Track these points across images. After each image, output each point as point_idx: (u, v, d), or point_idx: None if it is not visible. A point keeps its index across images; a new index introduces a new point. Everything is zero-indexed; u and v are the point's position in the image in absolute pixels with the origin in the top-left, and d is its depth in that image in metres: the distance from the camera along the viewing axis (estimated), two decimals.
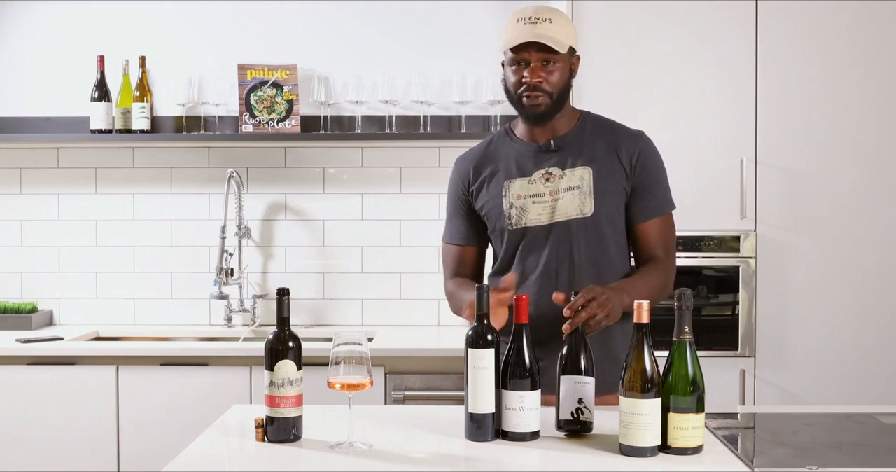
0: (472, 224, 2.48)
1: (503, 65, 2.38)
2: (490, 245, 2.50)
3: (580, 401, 1.99)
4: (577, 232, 2.34)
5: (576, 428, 2.01)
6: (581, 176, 2.35)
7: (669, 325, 1.91)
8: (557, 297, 2.09)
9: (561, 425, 2.02)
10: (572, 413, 2.00)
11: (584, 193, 2.34)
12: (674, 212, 2.42)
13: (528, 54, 2.30)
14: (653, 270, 2.36)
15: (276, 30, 3.87)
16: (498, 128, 3.70)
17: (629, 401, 1.87)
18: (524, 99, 2.33)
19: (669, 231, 2.42)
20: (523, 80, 2.32)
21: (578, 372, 1.99)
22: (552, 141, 2.39)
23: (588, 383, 1.99)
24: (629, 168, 2.37)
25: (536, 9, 2.32)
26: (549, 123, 2.37)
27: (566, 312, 2.05)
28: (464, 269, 2.50)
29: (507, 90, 2.38)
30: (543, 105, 2.33)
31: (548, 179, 2.36)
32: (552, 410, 2.05)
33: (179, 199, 3.90)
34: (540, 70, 2.31)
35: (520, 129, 2.45)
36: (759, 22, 3.37)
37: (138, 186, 3.90)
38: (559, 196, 2.35)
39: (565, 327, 2.03)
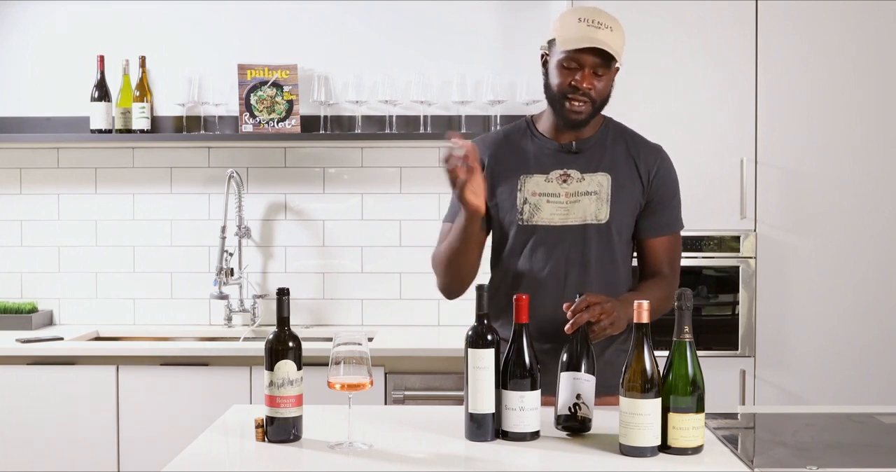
0: None
1: (543, 58, 2.33)
2: (491, 235, 2.47)
3: (578, 397, 1.99)
4: (590, 237, 2.32)
5: (574, 425, 2.01)
6: (600, 182, 2.33)
7: (669, 325, 1.92)
8: (567, 306, 2.08)
9: (559, 420, 2.02)
10: (570, 409, 2.00)
11: (601, 200, 2.33)
12: None
13: (584, 58, 2.25)
14: (656, 286, 2.35)
15: (276, 30, 3.87)
16: (496, 126, 3.71)
17: (629, 401, 1.87)
18: (568, 103, 2.28)
19: (676, 249, 2.41)
20: (573, 83, 2.26)
21: (578, 370, 2.00)
22: (574, 143, 2.36)
23: (587, 381, 1.99)
24: (646, 182, 2.36)
25: (599, 13, 2.26)
26: (583, 129, 2.35)
27: (568, 314, 2.05)
28: None
29: (548, 87, 2.33)
30: (585, 113, 2.29)
31: (565, 180, 2.34)
32: (553, 410, 2.05)
33: (179, 199, 3.90)
34: (592, 77, 2.26)
35: (543, 124, 2.41)
36: (759, 22, 3.37)
37: (138, 186, 3.90)
38: (576, 199, 2.33)
39: (567, 328, 2.04)
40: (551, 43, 2.31)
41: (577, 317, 2.04)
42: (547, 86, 2.34)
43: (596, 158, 2.36)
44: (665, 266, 2.38)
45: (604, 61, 2.25)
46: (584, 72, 2.26)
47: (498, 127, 3.70)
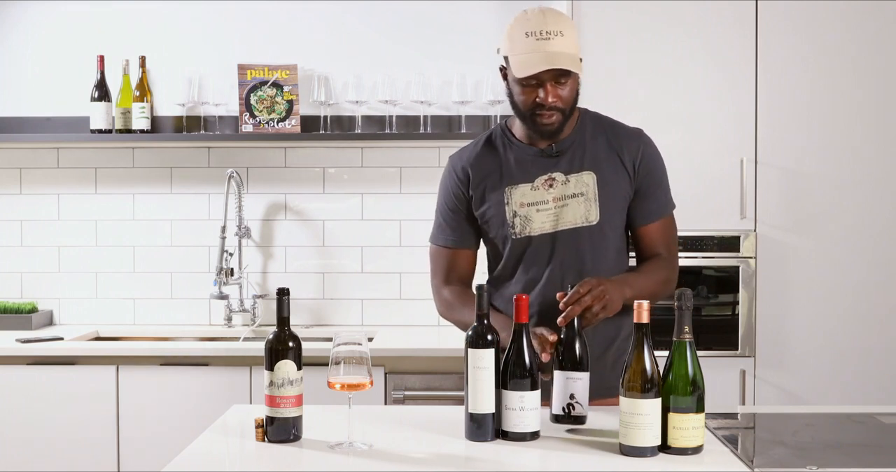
0: (468, 225, 2.39)
1: (503, 70, 2.27)
2: (485, 246, 2.44)
3: (571, 396, 2.02)
4: (583, 240, 2.29)
5: (568, 422, 2.05)
6: (586, 182, 2.29)
7: (669, 325, 1.91)
8: (560, 296, 2.08)
9: (553, 419, 2.06)
10: (563, 409, 2.03)
11: (589, 201, 2.29)
12: (674, 212, 2.40)
13: (542, 75, 2.17)
14: (656, 266, 2.32)
15: (276, 30, 3.87)
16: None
17: (629, 401, 1.87)
18: (537, 118, 2.23)
19: (671, 230, 2.38)
20: (538, 100, 2.21)
21: (572, 367, 2.02)
22: (553, 145, 2.31)
23: (580, 379, 2.02)
24: (632, 171, 2.32)
25: (545, 19, 2.17)
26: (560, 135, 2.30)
27: (561, 305, 2.05)
28: (457, 274, 2.42)
29: (514, 105, 2.27)
30: (557, 122, 2.24)
31: (551, 186, 2.30)
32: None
33: (179, 199, 3.90)
34: (556, 88, 2.20)
35: (518, 129, 2.35)
36: (759, 22, 3.37)
37: (138, 186, 3.90)
38: (563, 203, 2.29)
39: (560, 320, 2.04)
40: (507, 59, 2.24)
41: (569, 310, 2.04)
42: (512, 102, 2.28)
43: (578, 156, 2.31)
44: (662, 249, 2.35)
45: (563, 71, 2.18)
46: (546, 87, 2.20)
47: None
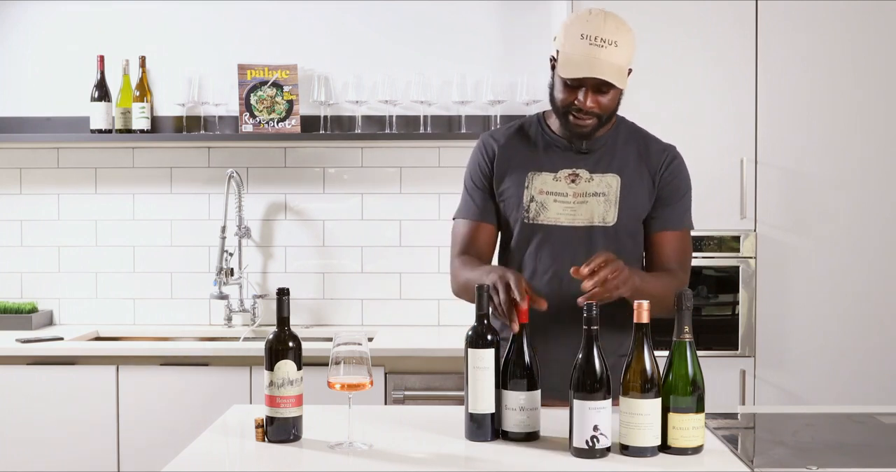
0: (491, 201, 2.38)
1: (552, 60, 2.24)
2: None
3: (595, 428, 1.85)
4: (597, 239, 2.29)
5: (592, 456, 1.85)
6: (609, 183, 2.29)
7: (669, 325, 1.91)
8: (575, 270, 2.01)
9: (574, 452, 1.87)
10: (587, 442, 1.85)
11: (609, 202, 2.29)
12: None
13: (586, 79, 2.17)
14: (667, 274, 2.29)
15: (276, 30, 3.87)
16: (496, 127, 3.70)
17: (629, 401, 1.87)
18: (571, 118, 2.23)
19: (685, 246, 2.36)
20: (576, 102, 2.20)
21: (593, 394, 1.84)
22: (584, 142, 2.31)
23: (604, 409, 1.85)
24: (656, 180, 2.32)
25: (604, 25, 2.15)
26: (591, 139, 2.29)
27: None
28: (476, 248, 2.38)
29: (552, 98, 2.27)
30: (591, 127, 2.24)
31: (573, 180, 2.30)
32: (553, 411, 2.05)
33: (179, 199, 3.90)
34: (597, 95, 2.19)
35: (554, 121, 2.35)
36: (759, 22, 3.38)
37: (138, 186, 3.90)
38: (583, 200, 2.29)
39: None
40: (558, 53, 2.23)
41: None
42: (551, 96, 2.28)
43: (606, 158, 2.32)
44: (674, 263, 2.32)
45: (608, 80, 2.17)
46: (587, 92, 2.19)
47: (498, 127, 3.69)
